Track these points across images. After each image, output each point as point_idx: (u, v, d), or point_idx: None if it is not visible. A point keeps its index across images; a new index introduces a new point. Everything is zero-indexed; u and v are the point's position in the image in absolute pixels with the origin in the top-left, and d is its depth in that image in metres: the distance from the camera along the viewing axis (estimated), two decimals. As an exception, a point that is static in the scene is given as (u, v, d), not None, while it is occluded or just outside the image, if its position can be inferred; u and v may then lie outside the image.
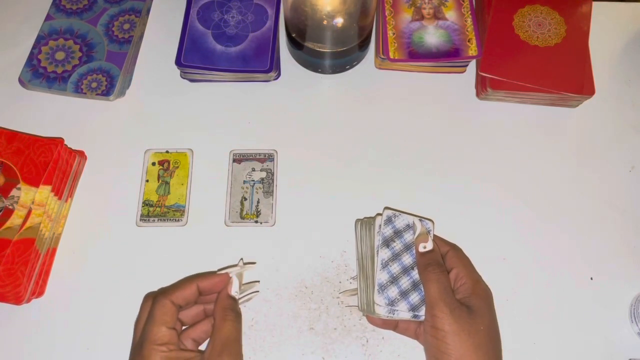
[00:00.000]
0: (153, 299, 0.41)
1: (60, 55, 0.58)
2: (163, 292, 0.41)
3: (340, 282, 0.50)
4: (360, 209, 0.52)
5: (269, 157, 0.55)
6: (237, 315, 0.41)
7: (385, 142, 0.57)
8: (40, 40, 0.59)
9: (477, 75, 0.59)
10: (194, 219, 0.53)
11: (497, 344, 0.41)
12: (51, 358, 0.47)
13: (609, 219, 0.53)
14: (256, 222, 0.52)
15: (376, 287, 0.42)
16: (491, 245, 0.51)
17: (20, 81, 0.57)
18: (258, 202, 0.53)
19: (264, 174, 0.54)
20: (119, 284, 0.50)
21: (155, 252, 0.51)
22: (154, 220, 0.52)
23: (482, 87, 0.57)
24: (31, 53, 0.58)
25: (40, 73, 0.57)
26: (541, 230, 0.53)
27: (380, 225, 0.45)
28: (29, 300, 0.47)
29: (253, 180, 0.54)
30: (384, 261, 0.43)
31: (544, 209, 0.54)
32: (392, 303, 0.42)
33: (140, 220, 0.52)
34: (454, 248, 0.45)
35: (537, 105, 0.59)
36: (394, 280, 0.43)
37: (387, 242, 0.44)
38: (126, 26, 0.60)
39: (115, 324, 0.48)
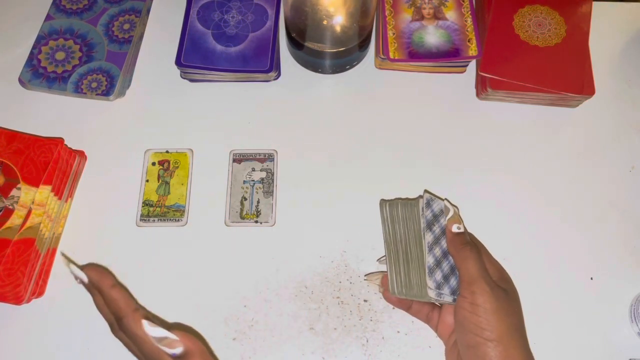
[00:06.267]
0: None
1: (60, 55, 0.58)
2: None
3: (340, 282, 0.50)
4: (360, 208, 0.52)
5: (269, 157, 0.55)
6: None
7: (385, 142, 0.57)
8: (40, 40, 0.59)
9: (477, 75, 0.59)
10: (194, 219, 0.53)
11: (525, 330, 0.42)
12: (51, 358, 0.47)
13: (609, 219, 0.53)
14: (256, 222, 0.52)
15: (427, 270, 0.42)
16: (491, 245, 0.51)
17: (20, 81, 0.57)
18: (258, 202, 0.53)
19: (264, 174, 0.54)
20: (119, 284, 0.50)
21: (155, 252, 0.51)
22: (154, 220, 0.52)
23: (482, 87, 0.57)
24: (31, 53, 0.58)
25: (40, 73, 0.57)
26: (541, 230, 0.53)
27: (422, 208, 0.45)
28: (29, 300, 0.47)
29: (253, 180, 0.54)
30: (429, 244, 0.43)
31: (544, 209, 0.54)
32: (439, 286, 0.42)
33: (140, 220, 0.52)
34: (471, 236, 0.45)
35: (537, 105, 0.59)
36: (438, 264, 0.43)
37: (429, 226, 0.44)
38: (126, 26, 0.60)
39: (115, 324, 0.48)
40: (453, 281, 0.43)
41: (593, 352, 0.48)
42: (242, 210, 0.53)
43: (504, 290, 0.41)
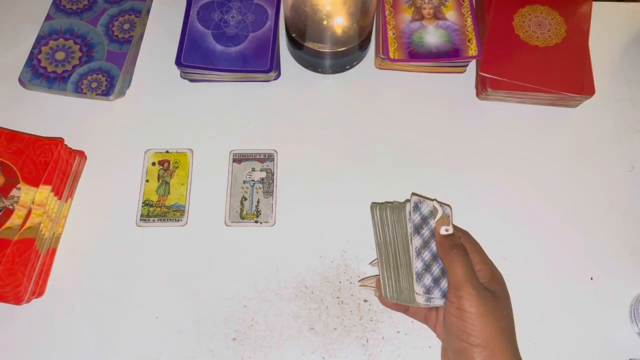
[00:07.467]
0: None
1: (60, 55, 0.58)
2: None
3: (340, 282, 0.50)
4: (360, 208, 0.52)
5: (269, 157, 0.55)
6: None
7: (385, 142, 0.57)
8: (40, 40, 0.59)
9: (477, 75, 0.59)
10: (194, 219, 0.53)
11: (514, 332, 0.41)
12: (51, 358, 0.47)
13: (609, 219, 0.53)
14: (256, 222, 0.52)
15: (414, 276, 0.42)
16: (491, 245, 0.51)
17: (20, 81, 0.57)
18: (258, 202, 0.53)
19: (264, 174, 0.54)
20: (119, 284, 0.50)
21: (155, 252, 0.51)
22: (154, 220, 0.52)
23: (482, 87, 0.57)
24: (31, 53, 0.58)
25: (40, 73, 0.57)
26: (541, 230, 0.53)
27: (409, 212, 0.44)
28: (29, 300, 0.47)
29: (253, 180, 0.54)
30: (417, 249, 0.43)
31: (544, 209, 0.54)
32: (428, 291, 0.42)
33: (140, 220, 0.52)
34: (466, 234, 0.45)
35: (537, 105, 0.59)
36: (427, 268, 0.43)
37: (417, 229, 0.44)
38: (126, 26, 0.60)
39: (115, 323, 0.48)
40: (444, 284, 0.42)
41: (593, 352, 0.48)
42: (242, 210, 0.53)
43: (492, 293, 0.40)
